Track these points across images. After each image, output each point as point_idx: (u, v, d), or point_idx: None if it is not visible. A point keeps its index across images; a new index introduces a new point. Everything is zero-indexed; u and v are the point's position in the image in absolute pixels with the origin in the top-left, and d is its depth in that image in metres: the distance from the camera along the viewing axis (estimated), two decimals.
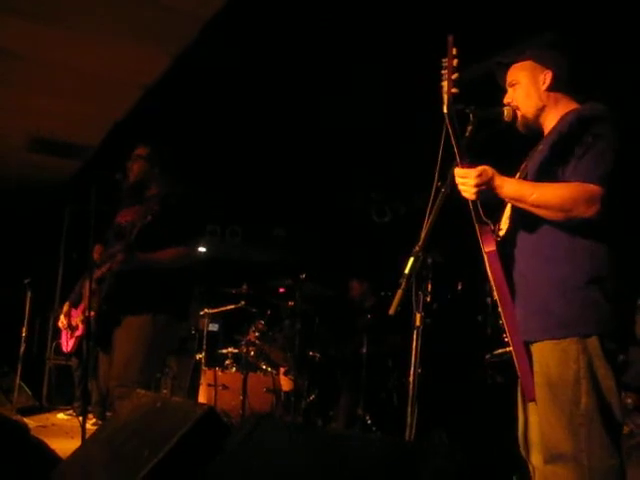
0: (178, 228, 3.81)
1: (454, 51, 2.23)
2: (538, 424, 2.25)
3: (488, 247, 2.33)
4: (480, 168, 2.25)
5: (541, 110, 2.42)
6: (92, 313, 6.17)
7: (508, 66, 2.51)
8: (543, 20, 3.96)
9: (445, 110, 2.23)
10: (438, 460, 1.45)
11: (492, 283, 2.32)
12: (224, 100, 5.71)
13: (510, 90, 2.48)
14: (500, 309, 2.32)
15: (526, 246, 2.31)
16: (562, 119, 2.35)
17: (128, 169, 4.09)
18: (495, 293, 2.31)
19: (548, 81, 2.40)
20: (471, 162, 2.29)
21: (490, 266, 2.32)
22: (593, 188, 2.12)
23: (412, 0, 4.19)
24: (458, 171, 2.29)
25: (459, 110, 2.28)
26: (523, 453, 2.38)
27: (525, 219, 2.30)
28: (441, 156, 2.42)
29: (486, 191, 2.25)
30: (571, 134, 2.23)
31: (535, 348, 2.24)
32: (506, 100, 2.48)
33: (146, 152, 4.10)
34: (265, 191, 7.83)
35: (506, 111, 2.46)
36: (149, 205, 3.85)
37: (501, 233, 2.40)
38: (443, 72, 2.25)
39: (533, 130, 2.48)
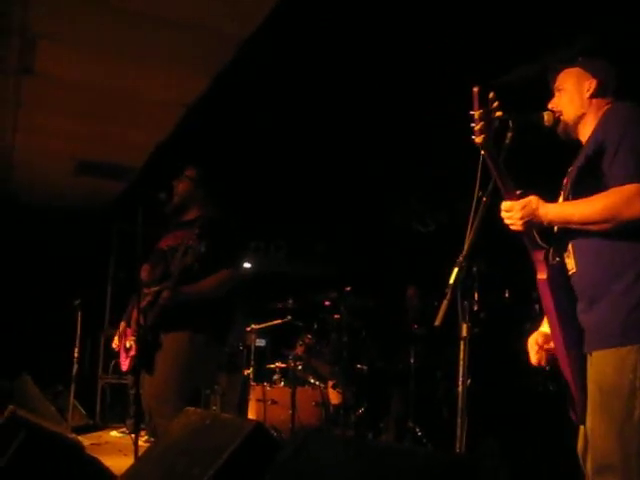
0: (219, 252, 3.81)
1: (477, 103, 2.21)
2: (590, 434, 2.21)
3: (540, 275, 2.31)
4: (524, 200, 2.26)
5: (580, 117, 2.41)
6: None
7: (559, 71, 2.50)
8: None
9: (482, 152, 2.24)
10: (486, 473, 1.43)
11: (544, 308, 2.34)
12: (267, 116, 5.76)
13: (556, 95, 2.48)
14: (550, 329, 2.33)
15: (584, 262, 2.28)
16: (597, 124, 2.34)
17: (174, 187, 4.13)
18: (546, 318, 2.34)
19: (592, 89, 2.39)
20: (515, 185, 2.28)
21: (541, 293, 2.32)
22: (629, 188, 2.10)
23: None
24: (503, 205, 2.31)
25: (500, 119, 2.27)
26: (583, 464, 2.33)
27: (578, 234, 2.28)
28: (481, 165, 2.41)
29: (532, 222, 2.26)
30: (601, 141, 2.23)
31: (595, 357, 2.21)
32: (550, 105, 2.47)
33: (193, 173, 4.14)
34: (308, 205, 7.86)
35: (546, 116, 2.44)
36: (191, 232, 3.87)
37: (553, 255, 2.37)
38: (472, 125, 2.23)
39: (572, 137, 2.46)
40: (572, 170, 2.39)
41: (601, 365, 2.17)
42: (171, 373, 3.77)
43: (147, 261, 4.15)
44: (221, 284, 3.83)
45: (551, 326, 2.31)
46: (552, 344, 2.42)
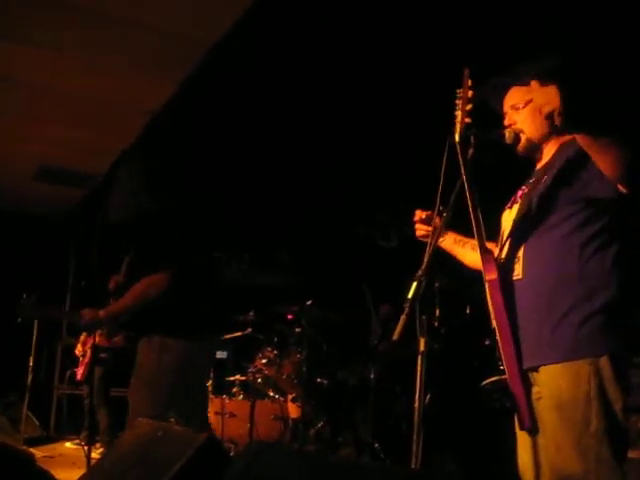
0: (148, 254, 3.75)
1: (469, 82, 2.29)
2: (544, 448, 2.22)
3: (489, 275, 2.31)
4: None
5: (545, 137, 2.42)
6: (98, 338, 6.18)
7: (507, 88, 2.51)
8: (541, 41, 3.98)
9: (457, 139, 2.27)
10: None
11: (492, 311, 2.31)
12: (226, 124, 5.73)
13: (511, 112, 2.46)
14: (497, 338, 2.30)
15: (533, 271, 2.29)
16: (562, 149, 2.35)
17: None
18: (493, 322, 2.30)
19: (555, 109, 2.39)
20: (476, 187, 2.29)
21: (490, 295, 2.31)
22: None
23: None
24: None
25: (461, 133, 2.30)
26: (523, 477, 2.35)
27: (530, 244, 2.30)
28: (443, 180, 2.42)
29: None
30: (577, 163, 2.24)
31: (544, 372, 2.22)
32: (507, 122, 2.46)
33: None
34: (270, 216, 7.83)
35: (507, 134, 2.44)
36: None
37: (502, 260, 2.39)
38: (457, 102, 2.29)
39: (532, 155, 2.47)
40: (536, 186, 2.38)
41: (556, 380, 2.17)
42: (140, 386, 3.67)
43: (116, 272, 4.09)
44: (141, 292, 3.65)
45: (501, 331, 2.27)
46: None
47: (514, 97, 2.48)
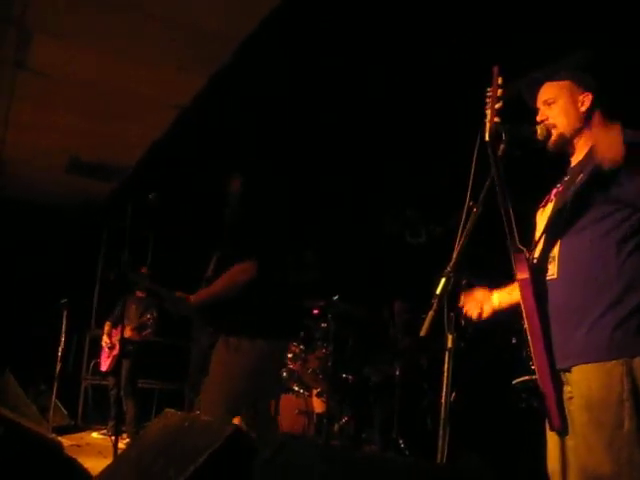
0: (235, 244, 3.64)
1: (499, 81, 2.26)
2: (574, 449, 2.20)
3: (521, 274, 2.30)
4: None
5: (578, 131, 2.39)
6: (129, 333, 6.23)
7: (541, 84, 2.49)
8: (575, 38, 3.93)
9: (487, 138, 2.23)
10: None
11: (523, 311, 2.29)
12: (258, 120, 5.74)
13: (544, 108, 2.45)
14: (529, 337, 2.29)
15: (567, 271, 2.27)
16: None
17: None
18: (525, 321, 2.28)
19: (587, 103, 2.38)
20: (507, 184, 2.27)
21: (522, 294, 2.29)
22: None
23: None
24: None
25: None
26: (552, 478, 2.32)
27: (565, 243, 2.28)
28: (473, 176, 2.40)
29: None
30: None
31: (576, 372, 2.20)
32: (540, 117, 2.44)
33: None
34: (297, 212, 7.83)
35: (539, 129, 2.41)
36: None
37: (535, 260, 2.36)
38: (488, 100, 2.26)
39: (565, 150, 2.45)
40: (571, 183, 2.36)
41: (588, 381, 2.16)
42: (215, 379, 3.54)
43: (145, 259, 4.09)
44: (232, 280, 3.52)
45: (532, 331, 2.26)
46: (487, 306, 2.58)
47: (547, 92, 2.46)
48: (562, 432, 2.24)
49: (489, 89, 2.27)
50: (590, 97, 2.38)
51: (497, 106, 2.24)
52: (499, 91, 2.25)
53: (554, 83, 2.46)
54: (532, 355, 2.28)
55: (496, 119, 2.23)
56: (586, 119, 2.38)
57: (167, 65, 5.02)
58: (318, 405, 5.98)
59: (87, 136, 6.52)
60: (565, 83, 2.43)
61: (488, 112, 2.25)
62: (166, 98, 5.58)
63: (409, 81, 4.96)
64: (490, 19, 4.12)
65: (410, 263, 7.26)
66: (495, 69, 2.27)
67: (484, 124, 2.26)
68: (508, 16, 4.07)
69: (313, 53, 4.70)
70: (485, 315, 2.63)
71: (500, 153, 2.32)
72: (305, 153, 6.34)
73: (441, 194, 6.32)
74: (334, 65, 4.78)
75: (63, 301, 6.95)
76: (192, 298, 3.55)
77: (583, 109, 2.38)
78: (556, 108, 2.41)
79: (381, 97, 5.25)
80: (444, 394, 2.38)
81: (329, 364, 5.62)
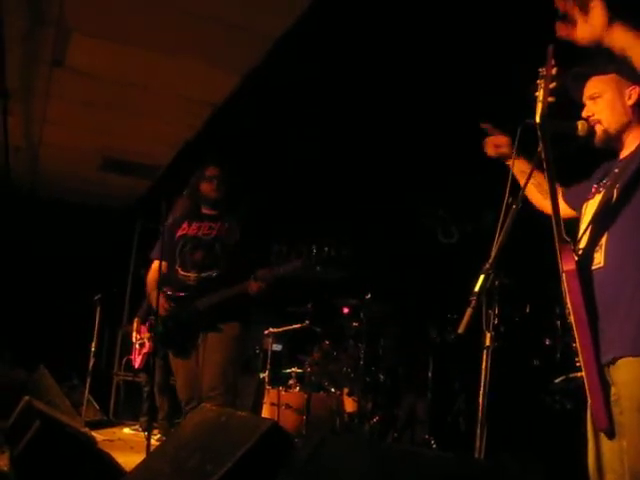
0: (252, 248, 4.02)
1: (552, 61, 2.18)
2: (619, 451, 2.14)
3: (567, 266, 2.24)
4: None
5: (625, 126, 2.34)
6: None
7: (587, 78, 2.44)
8: None
9: (538, 120, 2.15)
10: (512, 478, 1.38)
11: (569, 303, 2.23)
12: (294, 116, 5.74)
13: (590, 103, 2.40)
14: (575, 331, 2.22)
15: (615, 258, 2.22)
16: None
17: (193, 187, 4.17)
18: (571, 315, 2.22)
19: (635, 96, 2.33)
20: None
21: (568, 285, 2.23)
22: None
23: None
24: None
25: (529, 124, 2.22)
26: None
27: (613, 232, 2.24)
28: (512, 171, 2.36)
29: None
30: None
31: (623, 366, 2.13)
32: (585, 113, 2.39)
33: (217, 172, 4.17)
34: (330, 209, 7.82)
35: (580, 125, 2.36)
36: (222, 226, 4.04)
37: (581, 251, 2.31)
38: (539, 82, 2.18)
39: (611, 146, 2.39)
40: (622, 174, 2.30)
41: (635, 377, 2.10)
42: (224, 362, 3.90)
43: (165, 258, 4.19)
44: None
45: (578, 324, 2.20)
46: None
47: (592, 87, 2.41)
48: (608, 433, 2.18)
49: (541, 69, 2.18)
50: (638, 90, 2.32)
51: (551, 86, 2.15)
52: (553, 70, 2.16)
53: (600, 77, 2.40)
54: (578, 350, 2.20)
55: (550, 99, 2.13)
56: (634, 113, 2.33)
57: (201, 63, 5.04)
58: (349, 404, 5.97)
59: (121, 134, 6.58)
60: (611, 77, 2.37)
61: (540, 92, 2.15)
62: (199, 96, 5.60)
63: (447, 81, 4.92)
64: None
65: (443, 261, 7.21)
66: (550, 49, 2.17)
67: (535, 105, 2.16)
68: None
69: (346, 51, 4.68)
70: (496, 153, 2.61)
71: (538, 150, 2.28)
72: (340, 152, 6.33)
73: (471, 193, 6.28)
74: (367, 62, 4.75)
75: (96, 297, 7.01)
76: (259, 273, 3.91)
77: (630, 102, 2.33)
78: (602, 103, 2.36)
79: (418, 97, 5.21)
80: (482, 393, 2.35)
81: (361, 363, 5.60)
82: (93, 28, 4.69)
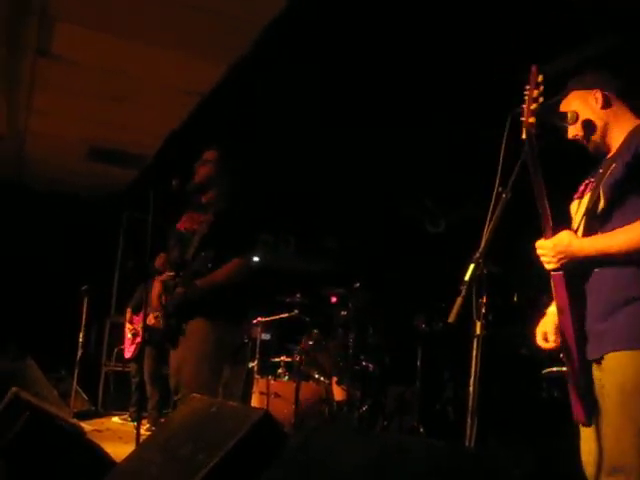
0: (233, 239, 3.83)
1: (539, 79, 2.27)
2: (602, 436, 2.19)
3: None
4: (554, 239, 2.27)
5: (605, 129, 2.42)
6: (152, 320, 6.27)
7: (558, 104, 2.50)
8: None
9: (523, 136, 2.25)
10: (504, 466, 1.40)
11: (556, 305, 2.31)
12: (277, 108, 5.72)
13: (570, 128, 2.47)
14: (561, 331, 2.31)
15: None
16: (631, 136, 2.34)
17: (195, 171, 4.10)
18: (558, 315, 2.31)
19: (600, 98, 2.41)
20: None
21: (555, 288, 2.29)
22: None
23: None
24: (537, 244, 2.33)
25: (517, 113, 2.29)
26: (585, 468, 2.30)
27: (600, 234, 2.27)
28: (502, 160, 2.38)
29: (568, 259, 2.24)
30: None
31: (610, 359, 2.19)
32: (570, 136, 2.48)
33: (214, 156, 4.12)
34: (317, 200, 7.82)
35: (570, 114, 2.43)
36: (206, 217, 3.94)
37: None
38: (525, 99, 2.28)
39: (603, 151, 2.46)
40: (605, 175, 2.34)
41: (622, 367, 2.14)
42: (195, 360, 3.79)
43: (163, 250, 4.17)
44: (234, 272, 3.82)
45: (563, 324, 2.27)
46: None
47: (566, 112, 2.47)
48: (585, 424, 2.25)
49: (527, 87, 2.27)
50: (599, 92, 2.41)
51: (532, 107, 2.25)
52: (536, 91, 2.25)
53: (565, 101, 2.49)
54: (562, 347, 2.28)
55: (531, 120, 2.23)
56: (607, 113, 2.40)
57: (187, 52, 5.00)
58: (338, 393, 5.99)
59: (108, 123, 6.52)
60: (572, 95, 2.48)
61: (525, 111, 2.26)
62: (186, 86, 5.56)
63: (436, 69, 4.92)
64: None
65: (429, 251, 7.24)
66: (533, 69, 2.28)
67: (521, 121, 2.25)
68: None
69: (334, 40, 4.67)
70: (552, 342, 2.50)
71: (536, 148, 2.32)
72: (327, 142, 6.32)
73: (456, 182, 6.31)
74: (354, 51, 4.74)
75: (84, 288, 6.98)
76: (198, 283, 3.78)
77: (599, 105, 2.41)
78: (579, 122, 2.43)
79: (403, 85, 5.21)
80: (472, 381, 2.37)
81: (350, 352, 5.62)
82: (78, 17, 4.63)
